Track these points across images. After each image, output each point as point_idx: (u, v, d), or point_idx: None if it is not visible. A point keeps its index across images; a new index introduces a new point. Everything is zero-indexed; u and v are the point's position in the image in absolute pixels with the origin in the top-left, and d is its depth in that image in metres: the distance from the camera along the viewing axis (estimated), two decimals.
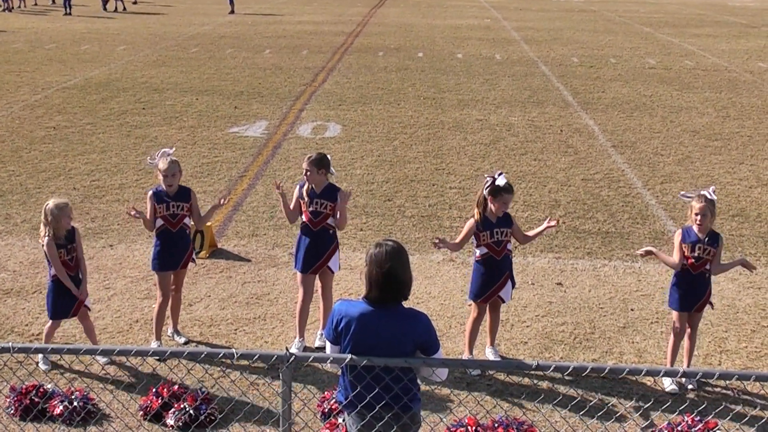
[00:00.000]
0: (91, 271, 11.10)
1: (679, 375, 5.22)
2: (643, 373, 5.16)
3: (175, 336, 9.34)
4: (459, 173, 15.50)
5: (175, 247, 9.04)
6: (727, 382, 8.44)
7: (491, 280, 8.72)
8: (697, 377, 5.13)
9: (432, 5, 53.85)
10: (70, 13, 43.43)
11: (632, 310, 10.18)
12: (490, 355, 9.02)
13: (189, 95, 22.54)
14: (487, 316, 9.00)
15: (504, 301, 8.91)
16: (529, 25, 41.59)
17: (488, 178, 8.63)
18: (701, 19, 46.63)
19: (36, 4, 49.30)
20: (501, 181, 8.52)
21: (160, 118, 19.74)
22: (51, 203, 8.45)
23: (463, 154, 16.86)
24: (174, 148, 9.44)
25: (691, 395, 8.29)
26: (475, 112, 20.78)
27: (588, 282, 11.02)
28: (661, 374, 5.26)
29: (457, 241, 8.80)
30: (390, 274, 5.55)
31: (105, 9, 46.58)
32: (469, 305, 9.11)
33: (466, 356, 8.93)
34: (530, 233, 9.13)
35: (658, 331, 9.61)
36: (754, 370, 8.78)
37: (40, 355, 8.61)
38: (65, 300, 8.58)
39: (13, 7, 45.94)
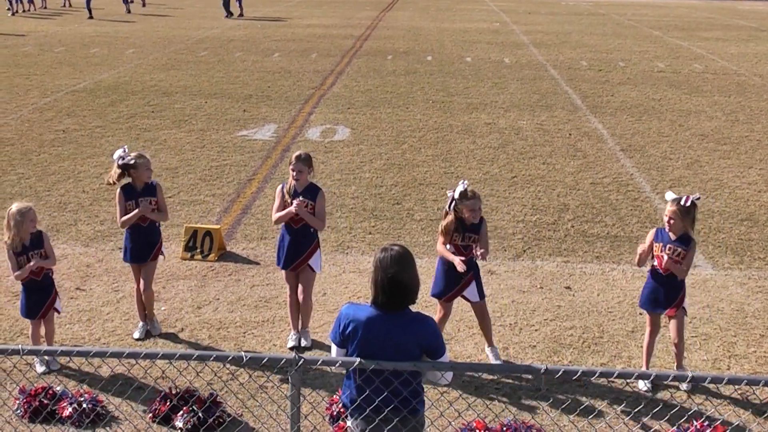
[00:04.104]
0: (100, 274, 11.16)
1: (688, 380, 5.22)
2: (651, 378, 5.16)
3: (151, 326, 9.59)
4: (468, 177, 15.48)
5: (145, 241, 9.39)
6: (736, 387, 8.42)
7: (454, 281, 8.73)
8: (707, 381, 5.12)
9: (441, 9, 53.86)
10: (91, 17, 43.45)
11: (641, 314, 10.16)
12: (489, 354, 9.02)
13: (198, 98, 22.58)
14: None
15: (471, 301, 8.89)
16: (538, 29, 41.58)
17: (450, 193, 8.61)
18: (710, 23, 46.57)
19: (45, 8, 49.42)
20: (458, 192, 8.49)
21: (169, 122, 19.79)
22: (14, 208, 8.45)
23: (472, 158, 16.86)
24: (127, 147, 9.60)
25: (698, 399, 8.28)
26: (484, 116, 20.78)
27: (597, 286, 11.01)
28: (670, 378, 5.26)
29: (442, 245, 8.72)
30: (395, 279, 5.57)
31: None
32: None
33: None
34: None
35: (667, 335, 9.59)
36: (763, 375, 8.76)
37: (36, 358, 8.65)
38: (33, 301, 8.64)
39: (17, 11, 46.03)
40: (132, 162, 9.16)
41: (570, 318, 10.08)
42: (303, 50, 32.41)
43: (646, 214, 13.70)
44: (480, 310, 8.96)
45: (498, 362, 8.93)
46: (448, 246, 8.70)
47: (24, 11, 46.97)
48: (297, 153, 9.11)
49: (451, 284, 8.76)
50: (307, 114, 20.87)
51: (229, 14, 45.03)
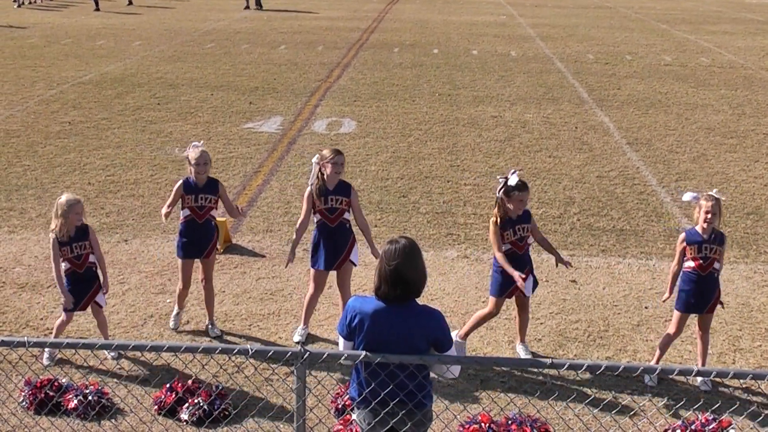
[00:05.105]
0: (106, 266, 11.15)
1: (693, 374, 5.21)
2: (656, 372, 5.16)
3: (210, 329, 9.45)
4: (474, 170, 15.49)
5: (200, 237, 9.31)
6: (741, 381, 8.42)
7: (513, 279, 8.67)
8: (711, 376, 5.12)
9: (448, 1, 53.77)
10: (98, 9, 43.46)
11: (646, 307, 10.16)
12: (521, 351, 8.98)
13: (204, 91, 22.58)
14: (516, 315, 9.02)
15: (526, 296, 8.85)
16: (545, 22, 41.50)
17: (501, 179, 8.59)
18: (718, 16, 46.44)
19: None
20: (513, 180, 8.47)
21: (175, 114, 19.79)
22: (63, 198, 8.51)
23: (478, 151, 16.84)
24: (203, 141, 9.57)
25: (703, 393, 8.27)
26: (491, 109, 20.75)
27: (602, 279, 11.00)
28: (675, 372, 5.25)
29: (499, 252, 8.64)
30: (397, 271, 5.56)
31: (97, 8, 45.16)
32: (484, 301, 9.09)
33: (458, 339, 8.83)
34: (546, 242, 9.04)
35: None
36: None
37: (46, 350, 8.65)
38: (74, 293, 8.62)
39: (23, 3, 46.03)
40: (185, 154, 9.25)
41: (575, 311, 10.07)
42: (309, 42, 32.39)
43: (652, 207, 13.68)
44: (525, 303, 8.94)
45: (527, 356, 8.90)
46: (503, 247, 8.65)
47: (30, 3, 46.99)
48: (333, 148, 8.99)
49: (510, 281, 8.61)
50: (313, 106, 20.86)
51: (256, 6, 45.12)
